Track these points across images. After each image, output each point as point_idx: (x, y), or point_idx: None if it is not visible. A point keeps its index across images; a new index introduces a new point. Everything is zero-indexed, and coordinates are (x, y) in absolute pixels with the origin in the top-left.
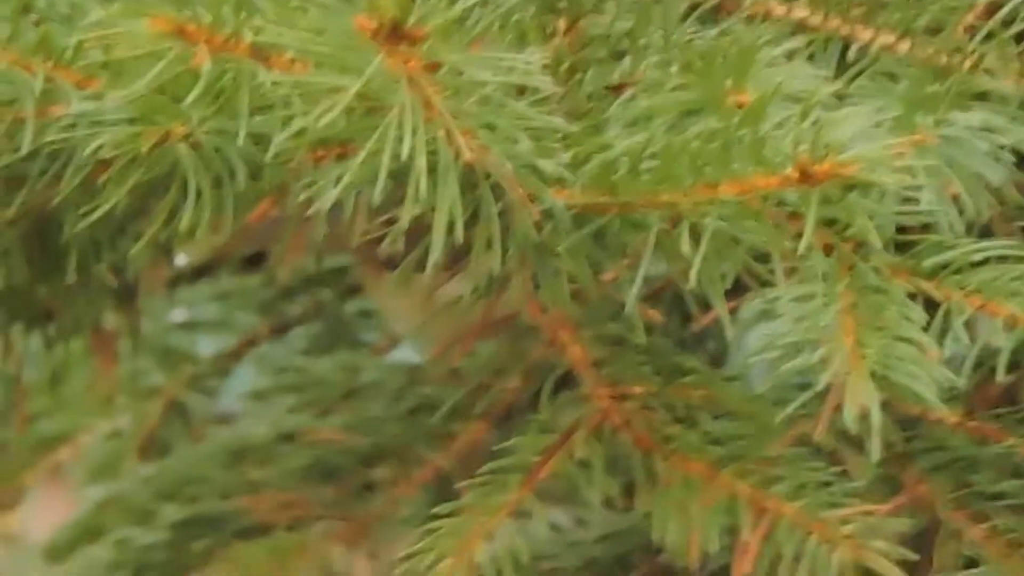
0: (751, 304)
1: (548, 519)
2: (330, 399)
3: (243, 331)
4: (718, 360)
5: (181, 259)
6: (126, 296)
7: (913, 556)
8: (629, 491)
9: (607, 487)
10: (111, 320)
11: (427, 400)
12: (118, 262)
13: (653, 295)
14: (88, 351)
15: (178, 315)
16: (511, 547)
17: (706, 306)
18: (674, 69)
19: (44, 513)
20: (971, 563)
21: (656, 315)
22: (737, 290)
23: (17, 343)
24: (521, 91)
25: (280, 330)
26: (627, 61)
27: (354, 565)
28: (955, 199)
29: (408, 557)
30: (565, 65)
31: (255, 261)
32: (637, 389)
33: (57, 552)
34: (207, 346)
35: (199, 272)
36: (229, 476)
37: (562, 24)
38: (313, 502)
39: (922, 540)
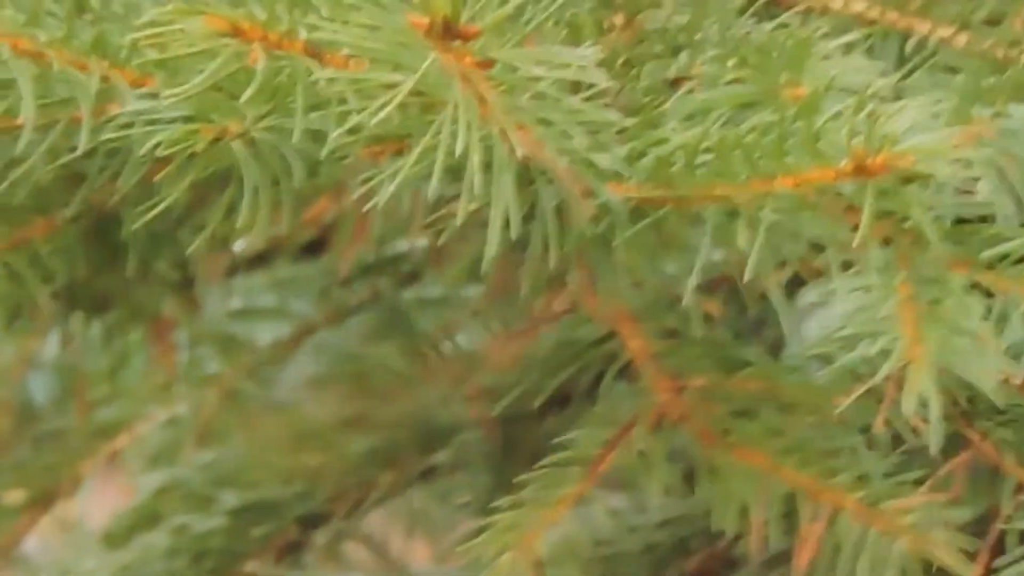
0: (808, 294)
1: (607, 505)
2: (389, 386)
3: (300, 319)
4: (775, 348)
5: (238, 247)
6: (184, 285)
7: (975, 543)
8: (688, 478)
9: (667, 477)
10: (169, 308)
11: (486, 389)
12: (177, 254)
13: (709, 285)
14: (146, 339)
15: (235, 303)
16: (571, 538)
17: (762, 296)
18: (730, 63)
19: (102, 500)
20: None
21: (714, 307)
22: (793, 280)
23: (77, 333)
24: (576, 87)
25: (337, 318)
26: (683, 56)
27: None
28: (1012, 190)
29: (470, 549)
30: (621, 60)
31: (313, 248)
32: (697, 381)
33: (115, 539)
34: (264, 334)
35: (256, 260)
36: (287, 462)
37: (618, 19)
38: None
39: (981, 524)
